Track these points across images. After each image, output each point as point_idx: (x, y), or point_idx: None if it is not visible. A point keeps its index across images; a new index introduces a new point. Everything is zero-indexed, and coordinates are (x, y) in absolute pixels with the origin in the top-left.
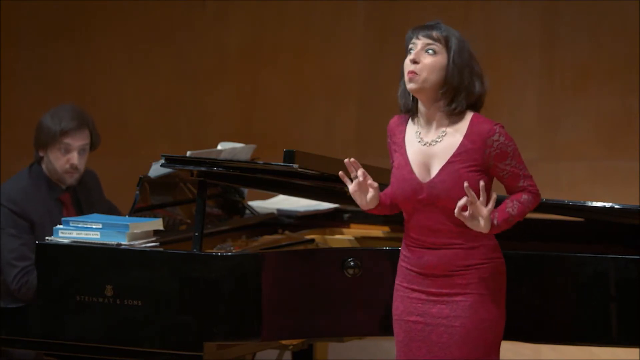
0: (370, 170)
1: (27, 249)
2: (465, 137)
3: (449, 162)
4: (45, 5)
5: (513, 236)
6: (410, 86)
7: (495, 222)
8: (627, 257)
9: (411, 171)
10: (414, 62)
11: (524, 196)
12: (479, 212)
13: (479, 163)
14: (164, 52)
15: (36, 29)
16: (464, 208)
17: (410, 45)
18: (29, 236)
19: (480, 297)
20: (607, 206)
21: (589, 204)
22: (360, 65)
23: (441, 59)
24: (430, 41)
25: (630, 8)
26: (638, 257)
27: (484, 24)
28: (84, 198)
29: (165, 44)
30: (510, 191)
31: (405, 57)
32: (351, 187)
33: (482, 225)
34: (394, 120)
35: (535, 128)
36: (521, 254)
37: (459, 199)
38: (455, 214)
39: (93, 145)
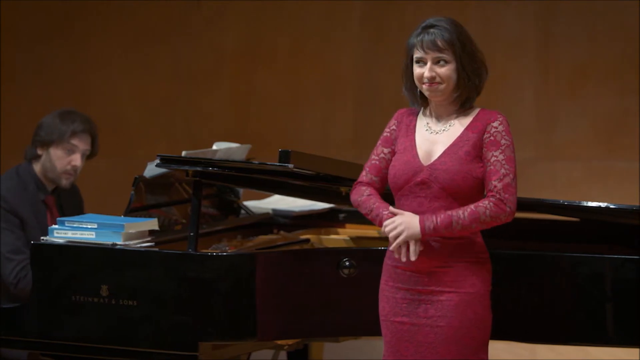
0: None
1: (21, 244)
2: (469, 125)
3: (450, 147)
4: (42, 6)
5: (509, 236)
6: (430, 95)
7: (428, 224)
8: (623, 257)
9: (416, 155)
10: (431, 78)
11: (484, 202)
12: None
13: (478, 150)
14: (160, 52)
15: (33, 29)
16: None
17: (417, 57)
18: (22, 232)
19: (466, 296)
20: (603, 206)
21: (585, 204)
22: (356, 65)
23: (452, 65)
24: (438, 54)
25: (627, 8)
26: (634, 257)
27: (480, 23)
28: (67, 203)
29: (161, 44)
30: (486, 188)
31: (405, 58)
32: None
33: (409, 227)
34: (404, 110)
35: (531, 128)
36: (518, 253)
37: (457, 182)
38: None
39: (91, 154)
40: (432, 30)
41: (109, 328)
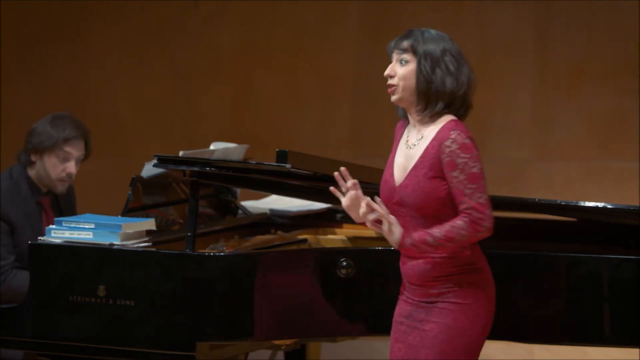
0: (364, 170)
1: (5, 250)
2: (431, 141)
3: (414, 167)
4: (42, 6)
5: (506, 236)
6: (392, 98)
7: (408, 240)
8: (620, 256)
9: (392, 174)
10: (390, 76)
11: (458, 221)
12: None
13: (438, 169)
14: (157, 52)
15: (32, 29)
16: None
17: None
18: (8, 238)
19: (451, 305)
20: (600, 206)
21: (582, 204)
22: (354, 65)
23: (412, 66)
24: (401, 53)
25: (624, 7)
26: (631, 257)
27: (477, 23)
28: (63, 203)
29: (159, 44)
30: (457, 208)
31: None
32: (344, 201)
33: (390, 237)
34: (399, 124)
35: (528, 128)
36: (514, 253)
37: (420, 203)
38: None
39: (85, 157)
40: (405, 34)
41: (106, 328)
